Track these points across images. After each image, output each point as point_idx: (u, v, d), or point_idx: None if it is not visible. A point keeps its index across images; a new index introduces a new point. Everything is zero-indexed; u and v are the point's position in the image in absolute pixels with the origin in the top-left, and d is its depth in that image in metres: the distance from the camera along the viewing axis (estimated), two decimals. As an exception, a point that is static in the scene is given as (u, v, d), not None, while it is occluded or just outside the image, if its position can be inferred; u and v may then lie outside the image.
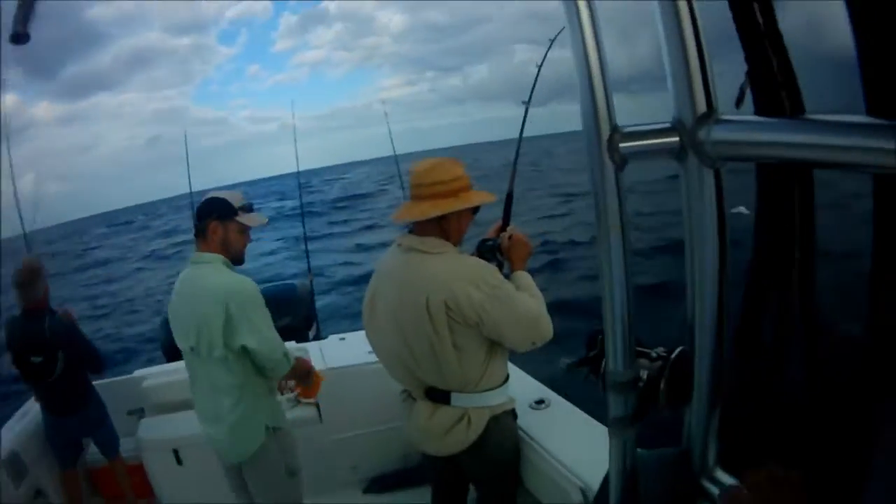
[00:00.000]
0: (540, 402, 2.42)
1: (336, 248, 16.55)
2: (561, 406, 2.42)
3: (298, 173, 5.68)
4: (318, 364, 2.66)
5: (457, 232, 1.86)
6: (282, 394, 2.73)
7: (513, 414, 2.02)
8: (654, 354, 0.96)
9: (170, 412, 2.76)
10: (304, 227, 5.26)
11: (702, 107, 0.82)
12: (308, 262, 4.42)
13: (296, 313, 3.49)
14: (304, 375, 2.34)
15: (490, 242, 2.07)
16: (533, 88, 2.25)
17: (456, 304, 1.70)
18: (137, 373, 3.27)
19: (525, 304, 1.81)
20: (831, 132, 0.68)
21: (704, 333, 0.89)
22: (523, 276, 1.94)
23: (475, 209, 1.88)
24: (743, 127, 0.80)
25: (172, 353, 3.07)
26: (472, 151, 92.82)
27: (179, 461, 2.57)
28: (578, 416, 2.31)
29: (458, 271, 1.74)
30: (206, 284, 2.00)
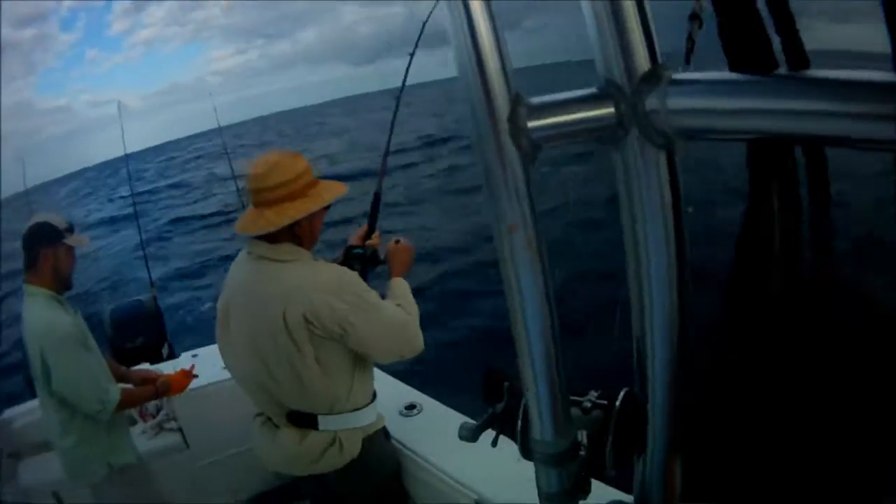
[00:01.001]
0: (411, 407, 2.22)
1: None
2: (433, 409, 2.22)
3: (130, 177, 5.29)
4: None
5: (310, 235, 1.66)
6: (144, 421, 2.62)
7: (384, 432, 1.86)
8: (587, 404, 0.71)
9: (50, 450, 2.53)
10: (140, 235, 4.58)
11: (643, 63, 0.56)
12: (149, 274, 3.90)
13: (148, 332, 3.21)
14: (152, 395, 2.22)
15: (357, 251, 1.90)
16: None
17: (316, 317, 1.53)
18: (7, 413, 2.95)
19: (392, 313, 1.66)
20: (844, 95, 0.44)
21: (660, 369, 0.65)
22: (400, 284, 1.79)
23: (327, 205, 1.66)
24: (709, 89, 0.54)
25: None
26: (304, 114, 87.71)
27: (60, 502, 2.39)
28: (455, 420, 2.08)
29: (317, 280, 1.57)
30: (28, 324, 1.96)
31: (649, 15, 0.56)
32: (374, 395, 1.80)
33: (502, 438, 1.80)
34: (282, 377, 1.61)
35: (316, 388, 1.62)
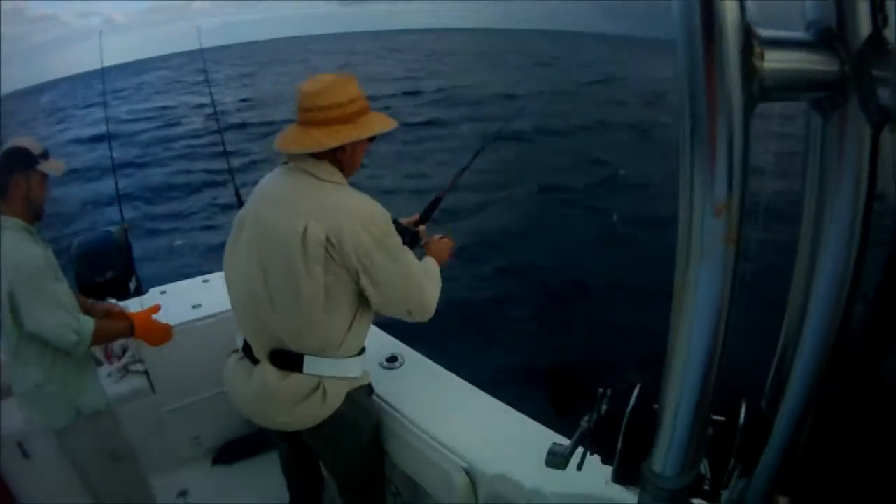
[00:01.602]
0: (392, 359, 2.08)
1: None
2: (416, 363, 2.08)
3: (107, 123, 4.66)
4: None
5: (351, 163, 1.59)
6: (110, 363, 2.50)
7: (369, 389, 1.76)
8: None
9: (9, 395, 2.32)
10: (113, 164, 4.04)
11: (865, 24, 0.46)
12: (120, 207, 3.63)
13: (117, 266, 2.98)
14: (127, 331, 2.07)
15: (402, 227, 1.80)
16: None
17: (339, 240, 1.45)
18: None
19: (415, 265, 1.61)
20: None
21: (803, 379, 0.56)
22: (431, 261, 1.75)
23: (372, 136, 1.59)
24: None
25: None
26: (286, 46, 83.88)
27: (26, 455, 2.25)
28: (439, 375, 2.01)
29: (351, 206, 1.50)
30: None
31: None
32: (364, 350, 1.70)
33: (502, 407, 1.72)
34: (281, 301, 1.52)
35: (313, 321, 1.52)
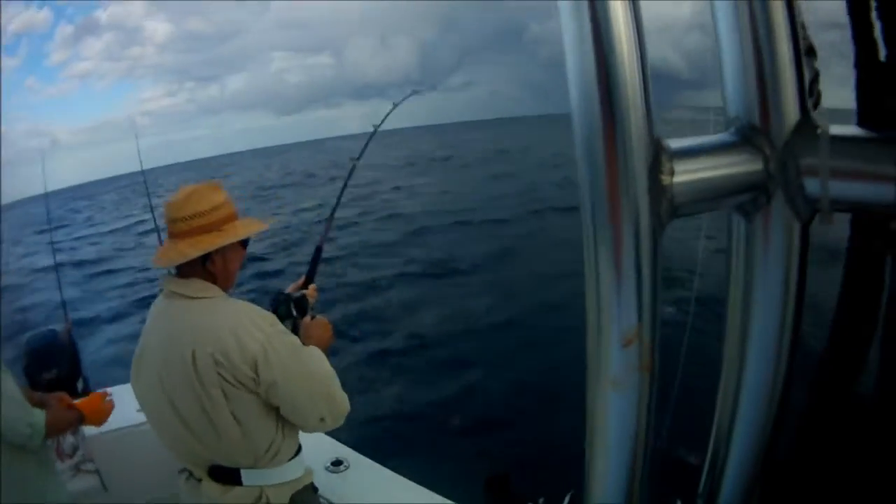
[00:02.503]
0: (337, 463, 2.05)
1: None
2: (361, 465, 2.06)
3: (48, 210, 4.47)
4: (89, 428, 2.28)
5: (224, 273, 1.52)
6: (61, 461, 2.39)
7: (312, 487, 1.68)
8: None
9: None
10: (55, 265, 4.22)
11: (792, 111, 0.41)
12: (64, 306, 3.58)
13: (61, 364, 2.98)
14: (77, 419, 2.00)
15: (287, 296, 1.75)
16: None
17: (226, 357, 1.38)
18: None
19: (314, 360, 1.51)
20: None
21: (737, 481, 0.52)
22: (314, 350, 1.58)
23: (245, 242, 1.55)
24: (880, 152, 0.41)
25: None
26: (229, 161, 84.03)
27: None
28: (384, 476, 1.99)
29: (228, 317, 1.43)
30: None
31: (803, 52, 0.41)
32: (300, 448, 1.63)
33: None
34: (197, 427, 1.45)
35: (235, 442, 1.45)
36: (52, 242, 4.41)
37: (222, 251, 1.49)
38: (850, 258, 0.51)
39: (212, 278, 1.50)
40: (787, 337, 0.47)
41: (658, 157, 0.37)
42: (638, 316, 0.39)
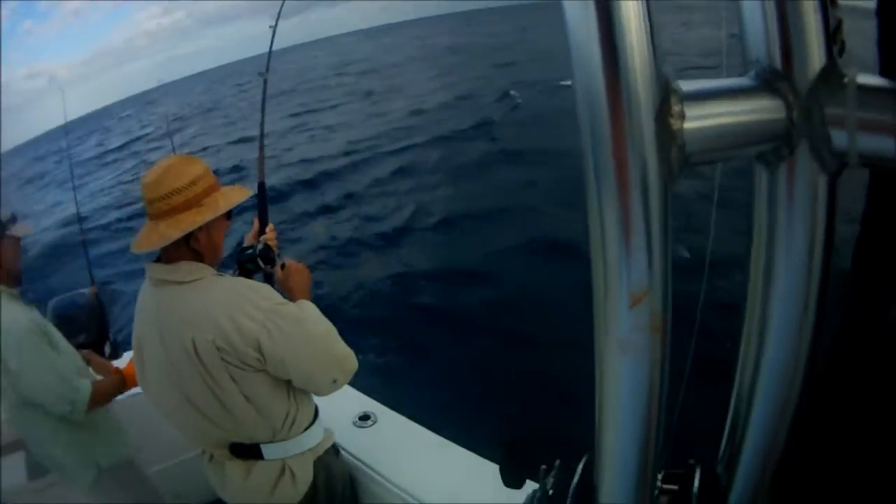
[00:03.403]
0: (365, 417, 2.02)
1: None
2: (390, 420, 2.02)
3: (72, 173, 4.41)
4: None
5: (211, 249, 1.46)
6: None
7: (334, 448, 1.69)
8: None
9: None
10: (81, 228, 3.92)
11: (816, 57, 0.38)
12: (89, 267, 3.42)
13: (89, 329, 2.90)
14: (120, 386, 2.03)
15: (250, 251, 1.69)
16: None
17: (228, 343, 1.34)
18: None
19: (315, 324, 1.48)
20: None
21: (760, 440, 0.50)
22: (307, 306, 1.56)
23: (229, 213, 1.48)
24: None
25: None
26: (231, 70, 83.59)
27: None
28: (414, 431, 1.95)
29: (222, 300, 1.38)
30: None
31: None
32: (317, 412, 1.62)
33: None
34: (209, 411, 1.43)
35: (248, 420, 1.44)
36: (76, 201, 4.19)
37: (206, 227, 1.41)
38: (868, 213, 0.48)
39: (198, 257, 1.43)
40: (814, 295, 0.44)
41: (667, 98, 0.35)
42: (647, 274, 0.37)
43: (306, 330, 1.43)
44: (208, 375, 1.37)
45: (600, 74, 0.34)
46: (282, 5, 1.97)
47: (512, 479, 0.62)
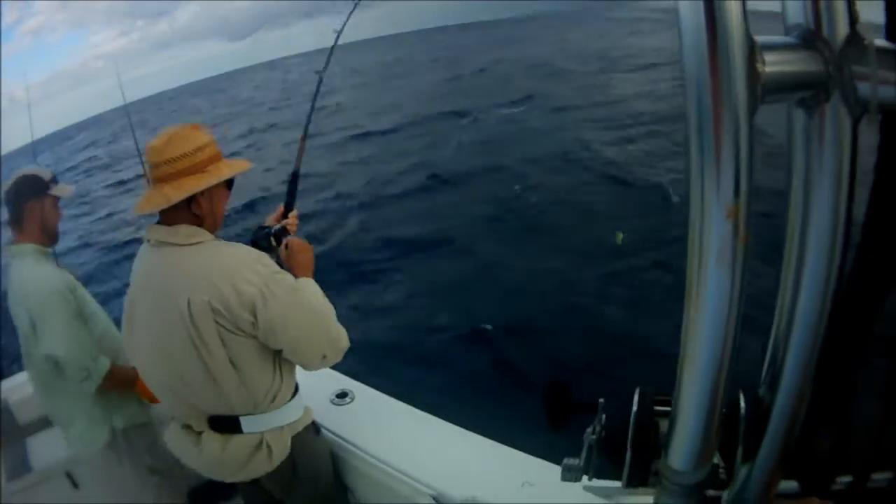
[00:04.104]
0: (342, 395, 2.03)
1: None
2: (367, 396, 2.04)
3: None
4: None
5: (211, 215, 1.50)
6: None
7: (314, 427, 1.71)
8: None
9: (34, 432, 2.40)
10: None
11: (842, 25, 0.48)
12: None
13: None
14: (131, 382, 2.00)
15: (267, 230, 1.75)
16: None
17: (224, 304, 1.37)
18: None
19: (311, 297, 1.51)
20: None
21: (797, 368, 0.58)
22: (308, 283, 1.59)
23: (230, 183, 1.53)
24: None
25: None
26: (184, 93, 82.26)
27: (75, 484, 2.25)
28: (393, 407, 1.97)
29: (222, 263, 1.41)
30: (15, 285, 1.89)
31: None
32: (297, 388, 1.64)
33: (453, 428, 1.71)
34: (193, 378, 1.44)
35: (232, 389, 1.45)
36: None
37: (208, 193, 1.45)
38: (881, 160, 0.59)
39: (198, 222, 1.47)
40: (842, 228, 0.53)
41: (754, 49, 0.44)
42: (736, 190, 0.45)
43: (302, 300, 1.45)
44: (198, 338, 1.38)
45: (704, 29, 0.42)
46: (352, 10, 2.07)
47: (557, 419, 0.67)
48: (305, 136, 1.96)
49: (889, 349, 0.62)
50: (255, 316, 1.38)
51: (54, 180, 2.00)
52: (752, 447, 0.61)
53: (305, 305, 1.46)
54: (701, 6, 0.42)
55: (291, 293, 1.44)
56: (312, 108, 1.98)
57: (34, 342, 1.86)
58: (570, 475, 0.63)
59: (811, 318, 0.57)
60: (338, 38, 2.01)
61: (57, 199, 1.99)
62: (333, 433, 1.84)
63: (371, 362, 4.07)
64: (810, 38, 0.48)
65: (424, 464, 1.65)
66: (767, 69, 0.45)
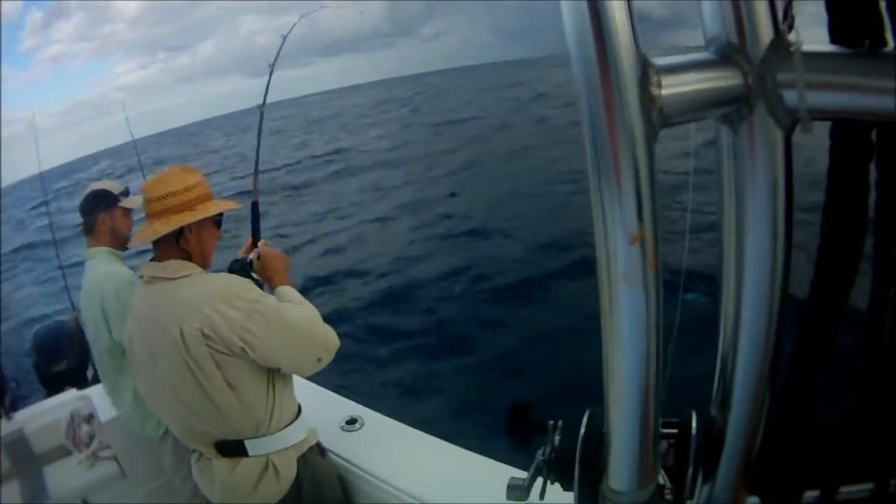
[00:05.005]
0: (352, 421, 2.04)
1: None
2: (376, 422, 2.05)
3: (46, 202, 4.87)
4: (104, 414, 2.48)
5: (200, 251, 1.61)
6: (78, 451, 2.58)
7: (319, 448, 1.76)
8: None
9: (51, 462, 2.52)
10: (56, 252, 4.26)
11: (766, 30, 0.46)
12: (68, 294, 3.65)
13: (70, 355, 3.08)
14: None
15: (241, 261, 1.82)
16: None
17: (213, 330, 1.45)
18: (18, 416, 2.76)
19: (294, 312, 1.58)
20: None
21: (746, 385, 0.57)
22: (287, 290, 1.70)
23: (218, 222, 1.65)
24: (846, 64, 0.46)
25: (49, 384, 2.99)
26: (204, 128, 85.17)
27: None
28: (403, 432, 1.98)
29: (209, 292, 1.50)
30: (87, 281, 2.10)
31: None
32: (300, 409, 1.70)
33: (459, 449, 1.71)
34: (195, 405, 1.51)
35: (234, 412, 1.52)
36: (52, 230, 4.53)
37: (196, 229, 1.55)
38: (832, 167, 0.56)
39: (188, 257, 1.56)
40: (781, 242, 0.51)
41: (646, 71, 0.42)
42: (639, 215, 0.44)
43: (288, 316, 1.53)
44: (194, 363, 1.45)
45: (593, 53, 0.42)
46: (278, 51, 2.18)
47: (519, 438, 0.67)
48: (258, 170, 2.11)
49: (859, 354, 0.59)
50: (244, 339, 1.45)
51: (125, 193, 2.19)
52: (710, 466, 0.60)
53: (291, 320, 1.53)
54: (590, 35, 0.42)
55: (276, 311, 1.51)
56: (258, 141, 2.11)
57: (106, 333, 2.00)
58: (514, 493, 0.64)
59: (757, 335, 0.55)
60: (272, 70, 2.15)
61: (129, 210, 2.17)
62: (342, 458, 1.86)
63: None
64: (728, 52, 0.46)
65: (436, 489, 1.65)
66: (668, 91, 0.43)
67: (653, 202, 0.44)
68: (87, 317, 2.11)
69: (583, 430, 0.60)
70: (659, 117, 0.43)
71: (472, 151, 15.43)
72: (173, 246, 1.55)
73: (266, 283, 1.74)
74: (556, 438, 0.63)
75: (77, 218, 2.21)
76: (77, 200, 2.21)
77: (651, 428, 0.53)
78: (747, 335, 0.54)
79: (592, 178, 0.44)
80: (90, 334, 2.14)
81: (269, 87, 2.13)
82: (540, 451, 0.63)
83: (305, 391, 1.87)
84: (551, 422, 0.63)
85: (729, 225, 0.52)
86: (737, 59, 0.46)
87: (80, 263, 2.21)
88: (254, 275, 1.76)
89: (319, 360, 1.58)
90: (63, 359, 3.03)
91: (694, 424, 0.60)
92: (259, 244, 1.86)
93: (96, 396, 2.55)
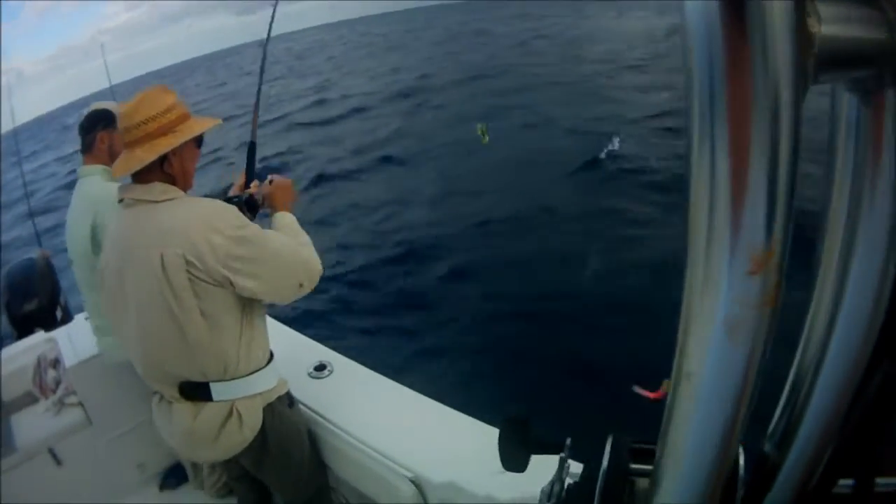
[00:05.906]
0: (321, 367, 1.93)
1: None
2: (346, 369, 1.93)
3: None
4: (69, 359, 2.38)
5: (183, 173, 1.55)
6: (45, 397, 2.46)
7: (288, 398, 1.68)
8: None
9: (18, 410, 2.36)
10: (26, 194, 4.45)
11: None
12: (36, 232, 3.67)
13: (41, 293, 2.93)
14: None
15: (235, 199, 1.74)
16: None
17: (197, 257, 1.40)
18: None
19: (279, 242, 1.55)
20: None
21: (824, 403, 0.44)
22: (285, 216, 1.69)
23: (199, 141, 1.59)
24: None
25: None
26: (195, 65, 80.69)
27: (58, 461, 2.23)
28: (373, 380, 1.87)
29: (194, 217, 1.45)
30: (79, 197, 2.07)
31: None
32: (272, 356, 1.63)
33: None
34: (164, 337, 1.47)
35: (203, 345, 1.47)
36: (22, 175, 4.39)
37: (179, 152, 1.50)
38: None
39: (171, 180, 1.51)
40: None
41: (803, 6, 0.26)
42: (768, 226, 0.28)
43: (270, 241, 1.50)
44: (170, 292, 1.40)
45: None
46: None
47: (514, 462, 0.54)
48: (258, 108, 1.98)
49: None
50: (228, 267, 1.41)
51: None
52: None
53: (277, 245, 1.51)
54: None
55: (262, 240, 1.48)
56: (261, 80, 2.02)
57: (91, 248, 1.98)
58: None
59: (848, 357, 0.42)
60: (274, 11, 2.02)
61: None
62: (310, 409, 1.75)
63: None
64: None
65: (404, 443, 1.57)
66: (828, 30, 0.27)
67: (789, 209, 0.29)
68: (73, 234, 2.07)
69: (605, 462, 0.47)
70: (814, 67, 0.27)
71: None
72: (157, 170, 1.48)
73: (269, 209, 1.72)
74: (567, 468, 0.49)
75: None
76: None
77: (723, 473, 0.39)
78: (835, 356, 0.42)
79: (696, 157, 0.28)
80: (72, 252, 2.12)
81: (273, 20, 2.00)
82: (547, 486, 0.49)
83: (279, 335, 1.83)
84: (561, 454, 0.49)
85: (836, 218, 0.38)
86: (883, 2, 0.31)
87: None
88: (245, 211, 1.69)
89: (301, 285, 1.54)
90: (34, 297, 2.93)
91: (742, 462, 0.48)
92: (253, 185, 1.81)
93: (62, 339, 2.53)
